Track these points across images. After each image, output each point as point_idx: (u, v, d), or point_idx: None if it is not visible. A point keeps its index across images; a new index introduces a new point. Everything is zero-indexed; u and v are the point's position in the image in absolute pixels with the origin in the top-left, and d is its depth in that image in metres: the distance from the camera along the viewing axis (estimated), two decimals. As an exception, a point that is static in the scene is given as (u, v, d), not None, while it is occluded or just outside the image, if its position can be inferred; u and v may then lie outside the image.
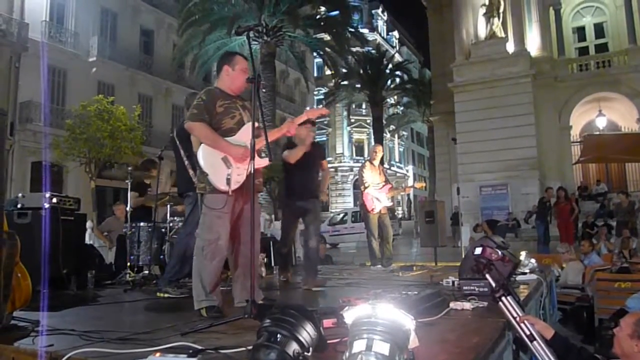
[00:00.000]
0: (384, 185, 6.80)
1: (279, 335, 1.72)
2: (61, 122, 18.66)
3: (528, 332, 2.55)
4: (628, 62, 21.16)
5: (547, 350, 2.50)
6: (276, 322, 1.77)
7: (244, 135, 3.27)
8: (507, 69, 21.23)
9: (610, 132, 19.05)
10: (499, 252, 2.94)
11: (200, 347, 2.16)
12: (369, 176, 6.77)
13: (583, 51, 24.14)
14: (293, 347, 1.70)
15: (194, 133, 3.31)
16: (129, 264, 5.55)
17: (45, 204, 4.52)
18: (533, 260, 5.04)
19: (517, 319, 2.59)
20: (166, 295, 4.27)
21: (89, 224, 7.94)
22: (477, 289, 3.63)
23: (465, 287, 3.74)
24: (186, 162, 4.42)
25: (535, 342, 2.52)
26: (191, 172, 4.35)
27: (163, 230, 5.91)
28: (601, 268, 7.34)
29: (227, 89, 3.45)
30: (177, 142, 4.58)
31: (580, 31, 24.50)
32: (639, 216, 12.67)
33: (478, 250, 2.99)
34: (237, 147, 3.23)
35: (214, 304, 3.23)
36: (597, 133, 19.68)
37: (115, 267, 6.06)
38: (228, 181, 3.17)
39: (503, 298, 2.66)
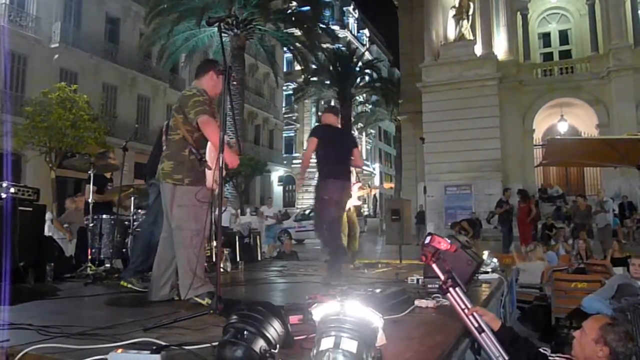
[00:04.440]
0: (354, 184, 6.77)
1: (245, 332, 1.70)
2: (20, 110, 18.05)
3: (476, 324, 2.54)
4: (590, 69, 21.82)
5: (495, 342, 2.51)
6: (243, 319, 1.75)
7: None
8: (475, 71, 21.62)
9: (571, 136, 19.59)
10: (448, 242, 2.87)
11: (163, 343, 2.12)
12: None
13: (547, 57, 24.78)
14: (260, 344, 1.69)
15: (211, 127, 3.34)
16: (90, 257, 5.41)
17: (2, 194, 4.35)
18: (495, 260, 5.14)
19: (466, 310, 2.58)
20: (129, 285, 4.17)
21: (48, 216, 7.71)
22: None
23: (429, 285, 3.80)
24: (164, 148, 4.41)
25: (483, 334, 2.52)
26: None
27: (126, 222, 5.79)
28: (559, 268, 7.56)
29: (209, 92, 3.58)
30: (164, 131, 4.48)
31: (546, 37, 25.16)
32: (596, 219, 13.11)
33: (427, 239, 2.88)
34: (233, 154, 3.38)
35: (212, 289, 3.27)
36: (559, 137, 20.27)
37: (75, 260, 5.89)
38: (216, 180, 3.33)
39: (451, 289, 2.62)
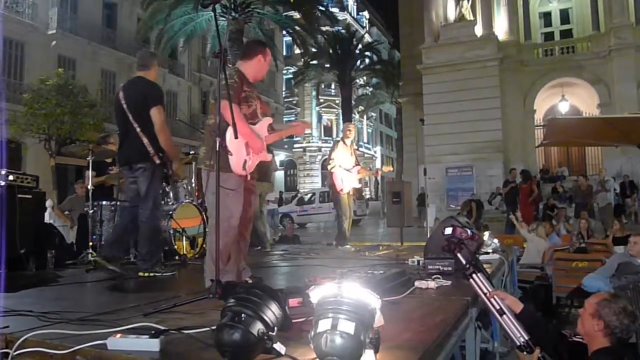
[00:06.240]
0: (353, 167, 6.72)
1: (243, 315, 1.69)
2: (18, 97, 17.98)
3: (498, 307, 2.64)
4: (591, 49, 21.63)
5: (516, 324, 2.60)
6: (240, 302, 1.74)
7: (261, 128, 3.50)
8: (475, 52, 21.45)
9: (572, 116, 19.48)
10: (468, 231, 3.04)
11: (163, 328, 2.12)
12: (340, 156, 6.65)
13: (548, 36, 24.56)
14: (258, 327, 1.68)
15: (225, 112, 3.24)
16: (91, 243, 5.42)
17: (1, 182, 4.34)
18: (496, 241, 5.13)
19: (487, 294, 2.67)
20: (153, 274, 4.11)
21: (49, 203, 7.70)
22: (441, 268, 3.70)
23: (430, 267, 3.80)
24: (138, 130, 4.12)
25: (504, 316, 2.61)
26: (145, 140, 4.11)
27: (126, 209, 5.78)
28: (560, 248, 7.57)
29: (250, 76, 3.58)
30: (125, 108, 4.18)
31: (547, 16, 24.89)
32: (597, 198, 13.10)
33: (449, 230, 3.09)
34: (257, 138, 3.38)
35: (232, 278, 3.25)
36: (560, 117, 20.15)
37: (76, 247, 5.91)
38: (244, 165, 3.30)
39: (474, 275, 2.75)
